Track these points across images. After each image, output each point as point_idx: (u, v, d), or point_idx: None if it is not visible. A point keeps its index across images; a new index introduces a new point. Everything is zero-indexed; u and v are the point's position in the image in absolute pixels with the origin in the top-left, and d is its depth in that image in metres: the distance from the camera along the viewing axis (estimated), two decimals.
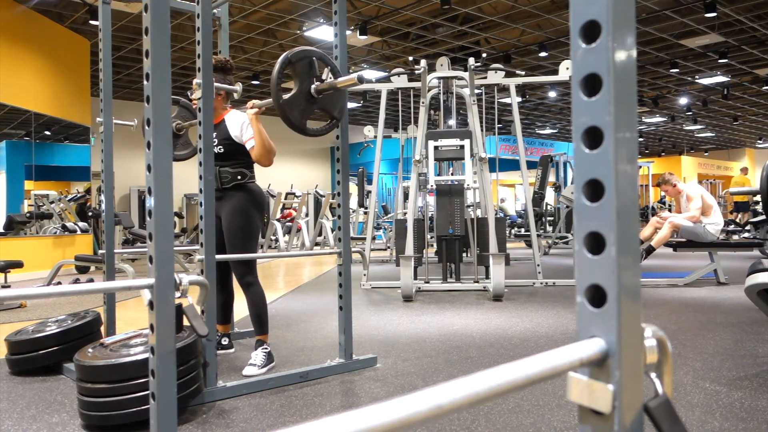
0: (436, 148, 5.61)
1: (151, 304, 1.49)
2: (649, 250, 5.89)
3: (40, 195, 9.67)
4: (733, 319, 4.04)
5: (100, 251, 3.41)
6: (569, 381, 0.57)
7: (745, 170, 15.67)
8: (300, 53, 2.60)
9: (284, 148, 17.32)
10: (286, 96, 2.55)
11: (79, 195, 10.50)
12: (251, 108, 2.95)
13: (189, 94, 3.23)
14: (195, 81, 2.60)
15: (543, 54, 10.84)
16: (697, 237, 5.84)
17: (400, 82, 6.79)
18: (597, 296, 0.56)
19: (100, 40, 3.21)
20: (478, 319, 4.24)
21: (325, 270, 8.21)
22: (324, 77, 2.65)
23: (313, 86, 2.62)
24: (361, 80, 2.54)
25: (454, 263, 5.99)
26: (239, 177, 3.07)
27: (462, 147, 5.56)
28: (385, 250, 10.93)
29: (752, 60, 12.10)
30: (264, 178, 15.75)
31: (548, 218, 12.31)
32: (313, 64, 2.64)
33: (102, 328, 3.26)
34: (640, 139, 22.23)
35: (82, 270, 8.20)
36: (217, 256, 2.82)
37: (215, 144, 2.99)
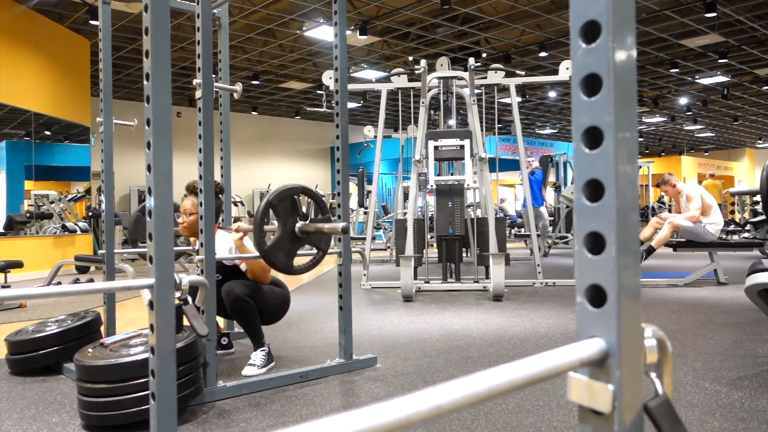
0: (436, 148, 5.62)
1: (151, 304, 1.49)
2: (650, 251, 5.89)
3: (40, 195, 9.67)
4: (733, 319, 4.04)
5: (100, 251, 3.41)
6: (569, 381, 0.57)
7: (712, 175, 15.82)
8: (282, 193, 2.52)
9: (284, 148, 17.36)
10: (270, 234, 2.51)
11: (79, 195, 10.50)
12: (236, 231, 2.93)
13: (178, 217, 3.17)
14: (195, 81, 2.60)
15: (543, 54, 10.84)
16: (697, 237, 5.84)
17: (400, 82, 6.79)
18: (597, 296, 0.56)
19: (100, 40, 3.21)
20: (478, 319, 4.24)
21: (325, 270, 8.21)
22: (307, 212, 2.60)
23: (297, 226, 2.56)
24: (345, 231, 2.51)
25: (454, 263, 5.99)
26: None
27: (462, 147, 5.56)
28: (385, 250, 10.93)
29: (752, 60, 12.10)
30: (264, 177, 15.78)
31: (548, 218, 12.29)
32: (296, 202, 2.57)
33: (102, 328, 3.26)
34: (640, 139, 22.23)
35: (82, 270, 8.20)
36: (224, 256, 2.83)
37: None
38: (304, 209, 2.64)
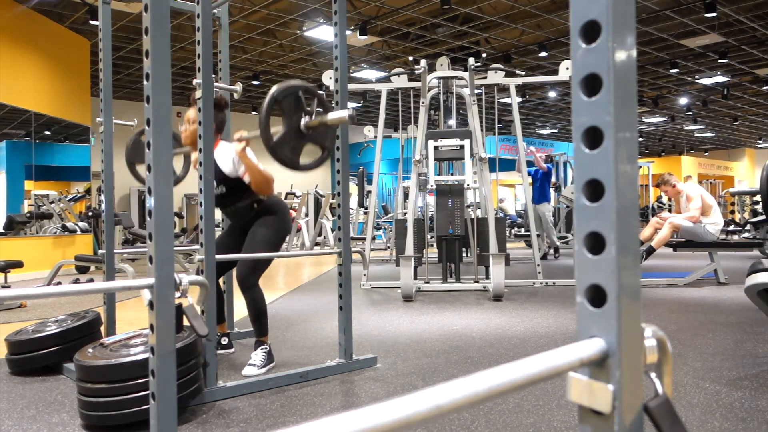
0: (436, 148, 5.62)
1: (151, 304, 1.49)
2: (650, 251, 5.89)
3: (40, 195, 9.68)
4: (733, 319, 4.04)
5: (100, 251, 3.41)
6: (569, 381, 0.57)
7: (688, 177, 15.88)
8: (286, 89, 2.51)
9: None
10: (275, 135, 2.51)
11: (79, 195, 10.50)
12: (238, 141, 2.92)
13: (179, 129, 3.18)
14: (195, 81, 2.60)
15: (543, 54, 10.84)
16: (697, 237, 5.84)
17: (400, 82, 6.79)
18: (597, 296, 0.56)
19: (100, 40, 3.21)
20: (478, 319, 4.24)
21: (325, 270, 8.21)
22: (311, 109, 2.60)
23: (302, 122, 2.58)
24: (351, 118, 2.52)
25: (454, 263, 5.99)
26: (256, 205, 3.12)
27: (462, 147, 5.56)
28: (385, 250, 10.93)
29: (752, 60, 12.10)
30: None
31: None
32: (300, 99, 2.59)
33: (102, 328, 3.26)
34: (640, 139, 22.23)
35: (82, 270, 8.20)
36: (224, 256, 2.83)
37: (215, 186, 3.00)
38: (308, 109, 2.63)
